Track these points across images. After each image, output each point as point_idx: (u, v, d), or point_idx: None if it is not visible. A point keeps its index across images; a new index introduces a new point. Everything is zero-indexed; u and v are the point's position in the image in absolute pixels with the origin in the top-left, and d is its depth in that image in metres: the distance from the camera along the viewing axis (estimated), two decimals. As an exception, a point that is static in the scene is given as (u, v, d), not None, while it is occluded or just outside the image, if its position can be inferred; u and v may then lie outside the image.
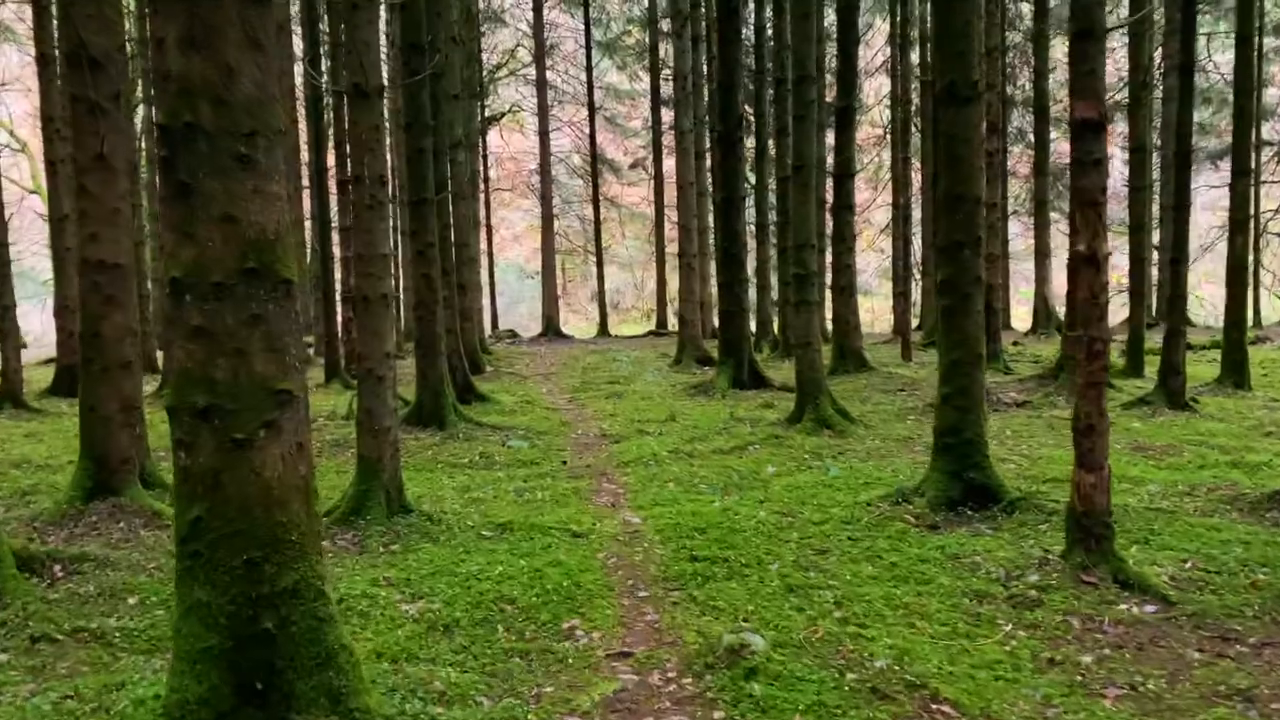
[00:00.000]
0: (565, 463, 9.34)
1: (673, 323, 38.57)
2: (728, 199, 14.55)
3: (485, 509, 7.46)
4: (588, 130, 36.85)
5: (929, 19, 20.40)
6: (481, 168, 36.82)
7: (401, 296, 23.34)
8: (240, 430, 3.38)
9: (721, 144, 14.59)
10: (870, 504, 7.12)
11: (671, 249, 37.96)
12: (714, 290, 30.81)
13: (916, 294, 26.60)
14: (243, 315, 3.38)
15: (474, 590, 5.40)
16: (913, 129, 24.20)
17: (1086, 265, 5.17)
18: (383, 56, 10.86)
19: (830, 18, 19.47)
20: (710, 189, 27.82)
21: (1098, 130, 5.09)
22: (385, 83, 6.84)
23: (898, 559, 5.84)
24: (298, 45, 21.34)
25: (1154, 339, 16.97)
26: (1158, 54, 20.65)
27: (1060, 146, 31.17)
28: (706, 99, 26.33)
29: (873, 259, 37.99)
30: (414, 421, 10.92)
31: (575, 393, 15.90)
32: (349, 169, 7.51)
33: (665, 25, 35.32)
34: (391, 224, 11.41)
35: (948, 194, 7.02)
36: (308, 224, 20.28)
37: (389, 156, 11.90)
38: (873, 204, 32.78)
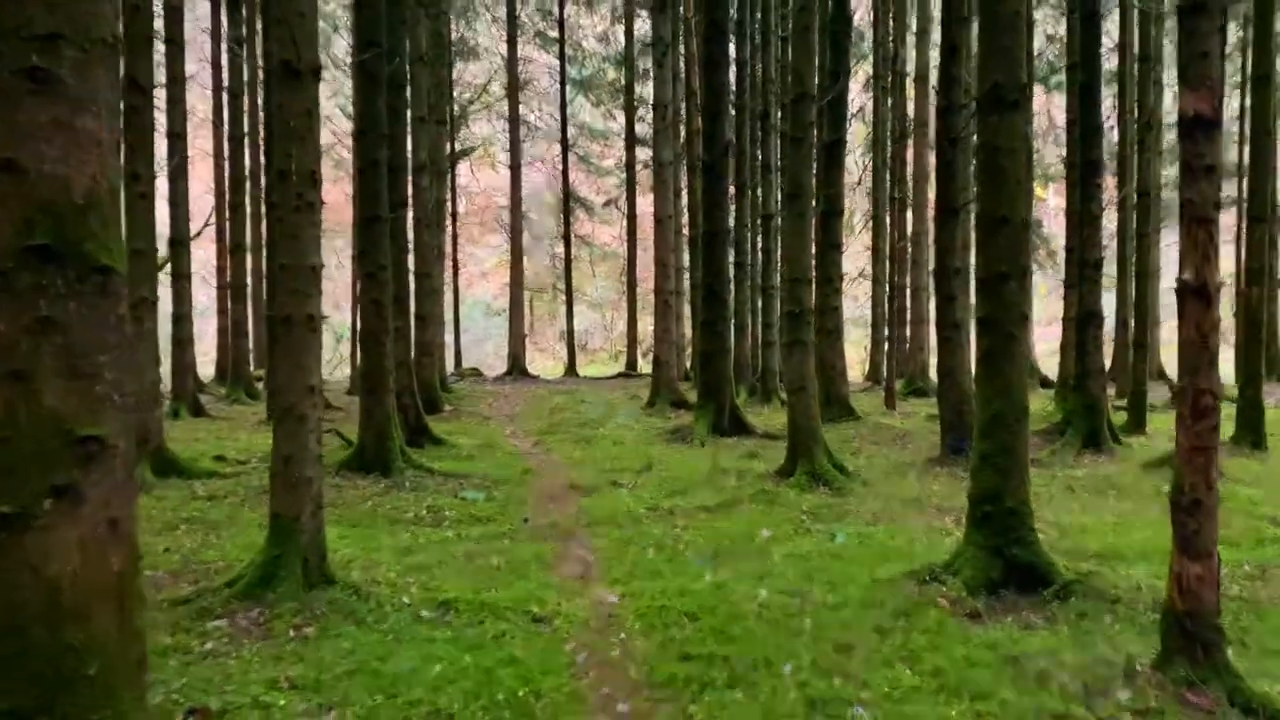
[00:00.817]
0: (526, 520, 8.07)
1: (643, 364, 37.46)
2: (711, 232, 13.47)
3: (428, 579, 6.17)
4: (560, 167, 35.94)
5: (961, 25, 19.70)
6: (450, 200, 35.76)
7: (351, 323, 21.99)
8: (11, 500, 2.14)
9: (706, 174, 13.55)
10: (893, 582, 5.93)
11: (643, 288, 37.01)
12: (689, 331, 29.80)
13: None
14: (23, 319, 2.15)
15: (401, 701, 4.12)
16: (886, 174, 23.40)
17: (1195, 299, 4.08)
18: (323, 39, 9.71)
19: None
20: (685, 228, 26.92)
21: (1210, 129, 4.02)
22: (321, 65, 5.66)
23: (942, 662, 4.64)
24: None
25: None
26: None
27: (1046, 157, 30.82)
28: (684, 137, 25.48)
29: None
30: (355, 467, 9.60)
31: (541, 436, 14.63)
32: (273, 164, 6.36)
33: (641, 65, 34.71)
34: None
35: (988, 216, 5.94)
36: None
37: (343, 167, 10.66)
38: (845, 249, 32.03)
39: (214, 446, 12.37)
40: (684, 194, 26.93)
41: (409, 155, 13.74)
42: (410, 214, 13.96)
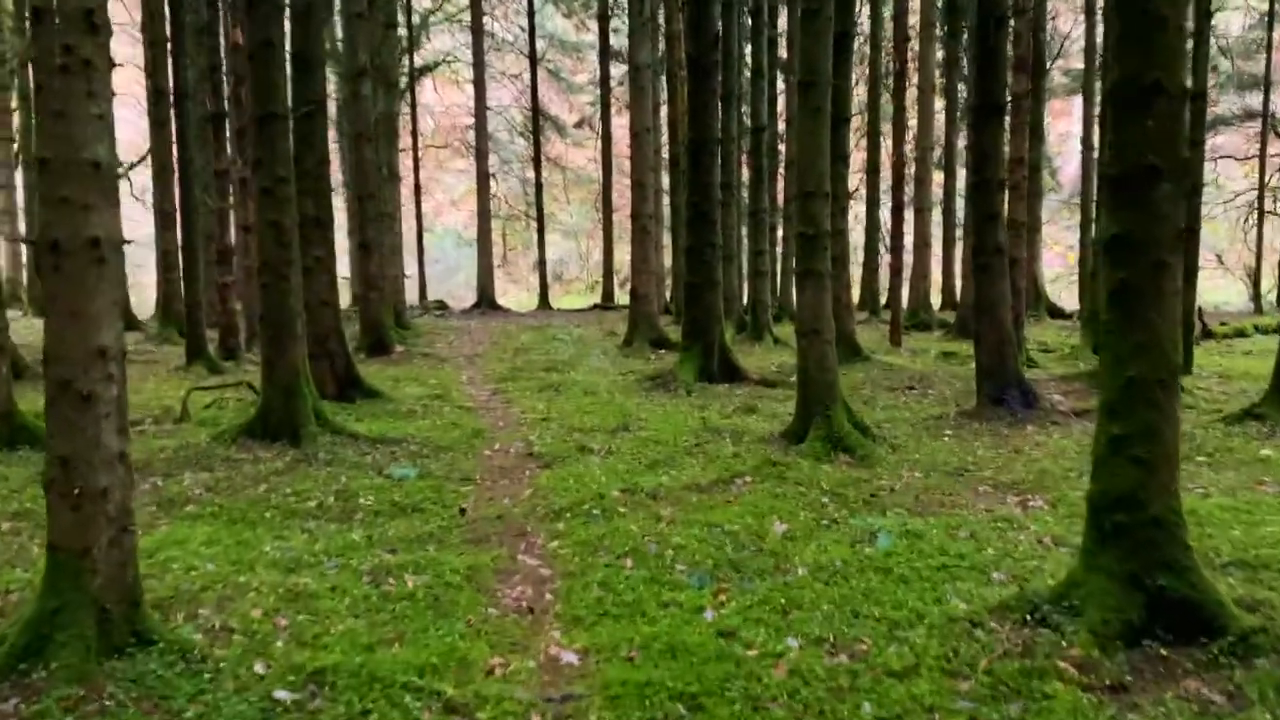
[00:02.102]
0: (464, 511, 6.15)
1: (619, 295, 35.41)
2: (698, 142, 11.35)
3: (306, 621, 4.27)
4: (529, 82, 33.32)
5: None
6: (412, 119, 33.13)
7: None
8: None
9: (691, 70, 11.36)
10: (979, 624, 4.09)
11: (620, 215, 34.75)
12: (668, 260, 27.72)
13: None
14: None
15: None
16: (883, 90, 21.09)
17: None
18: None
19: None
20: (665, 147, 24.64)
21: None
22: None
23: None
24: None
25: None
26: None
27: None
28: (663, 43, 23.03)
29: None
30: (258, 434, 7.64)
31: (501, 382, 12.69)
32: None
33: (617, -33, 31.91)
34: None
35: (1131, 84, 3.95)
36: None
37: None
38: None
39: (106, 402, 10.34)
40: (663, 109, 24.60)
41: (339, 51, 11.46)
42: (341, 122, 11.73)
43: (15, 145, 24.79)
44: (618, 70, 33.65)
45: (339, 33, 21.05)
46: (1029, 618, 4.07)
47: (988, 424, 8.71)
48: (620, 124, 34.13)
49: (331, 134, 28.99)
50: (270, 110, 7.40)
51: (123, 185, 31.79)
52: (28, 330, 20.27)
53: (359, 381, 10.02)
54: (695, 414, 9.54)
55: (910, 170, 20.07)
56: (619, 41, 33.24)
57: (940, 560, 5.02)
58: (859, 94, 23.54)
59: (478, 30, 30.56)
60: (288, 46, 8.59)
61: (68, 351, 3.65)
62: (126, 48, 26.94)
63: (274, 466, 7.07)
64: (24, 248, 26.41)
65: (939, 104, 20.57)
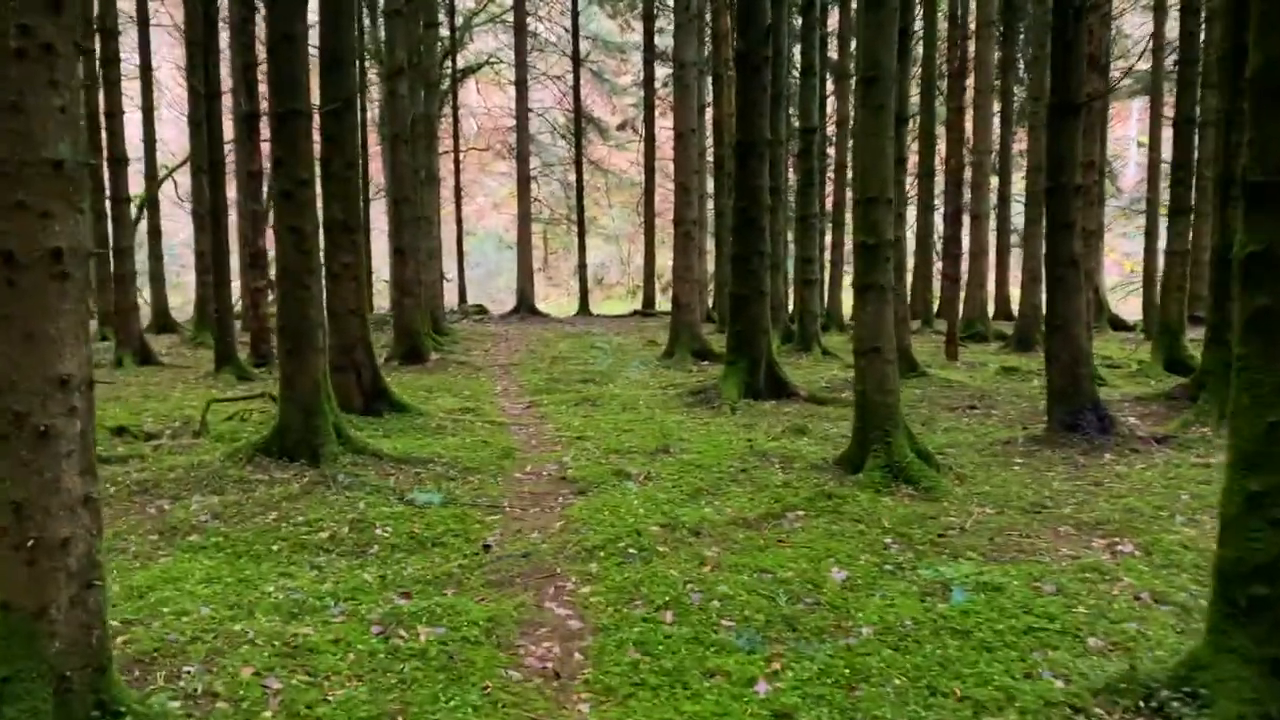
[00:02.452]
0: (489, 546, 5.62)
1: (660, 301, 34.85)
2: (746, 144, 10.73)
3: (298, 686, 3.75)
4: (571, 83, 32.90)
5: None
6: (453, 121, 32.85)
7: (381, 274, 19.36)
8: None
9: (740, 67, 10.75)
10: (1080, 709, 3.47)
11: (662, 219, 34.18)
12: (710, 267, 27.09)
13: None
14: None
15: None
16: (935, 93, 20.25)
17: None
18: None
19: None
20: (710, 149, 24.02)
21: None
22: None
23: None
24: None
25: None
26: None
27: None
28: (709, 41, 22.40)
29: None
30: (274, 452, 7.17)
31: (537, 395, 12.18)
32: None
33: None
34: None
35: (1275, 64, 3.30)
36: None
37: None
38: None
39: (127, 411, 10.01)
40: (708, 110, 23.99)
41: (379, 50, 11.04)
42: (372, 120, 11.29)
43: None
44: (662, 71, 33.11)
45: (383, 34, 20.78)
46: (1143, 705, 3.43)
47: (1061, 451, 8.00)
48: (664, 125, 33.58)
49: (373, 137, 28.84)
50: (292, 107, 6.94)
51: (168, 187, 31.91)
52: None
53: (387, 394, 9.55)
54: (740, 435, 8.94)
55: (966, 175, 19.24)
56: (664, 42, 32.71)
57: (1025, 621, 4.38)
58: (913, 95, 22.74)
59: (520, 29, 30.21)
60: (315, 41, 8.16)
61: (23, 380, 3.15)
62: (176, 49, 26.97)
63: (288, 490, 6.59)
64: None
65: (994, 106, 19.72)
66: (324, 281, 10.03)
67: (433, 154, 20.48)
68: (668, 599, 4.67)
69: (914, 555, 5.44)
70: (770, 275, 17.00)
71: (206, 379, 12.95)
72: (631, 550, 5.44)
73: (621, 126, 36.48)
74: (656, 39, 31.52)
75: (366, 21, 22.63)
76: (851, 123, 22.26)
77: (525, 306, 29.85)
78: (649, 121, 31.60)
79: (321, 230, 9.93)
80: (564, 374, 14.14)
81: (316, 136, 8.01)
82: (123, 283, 14.73)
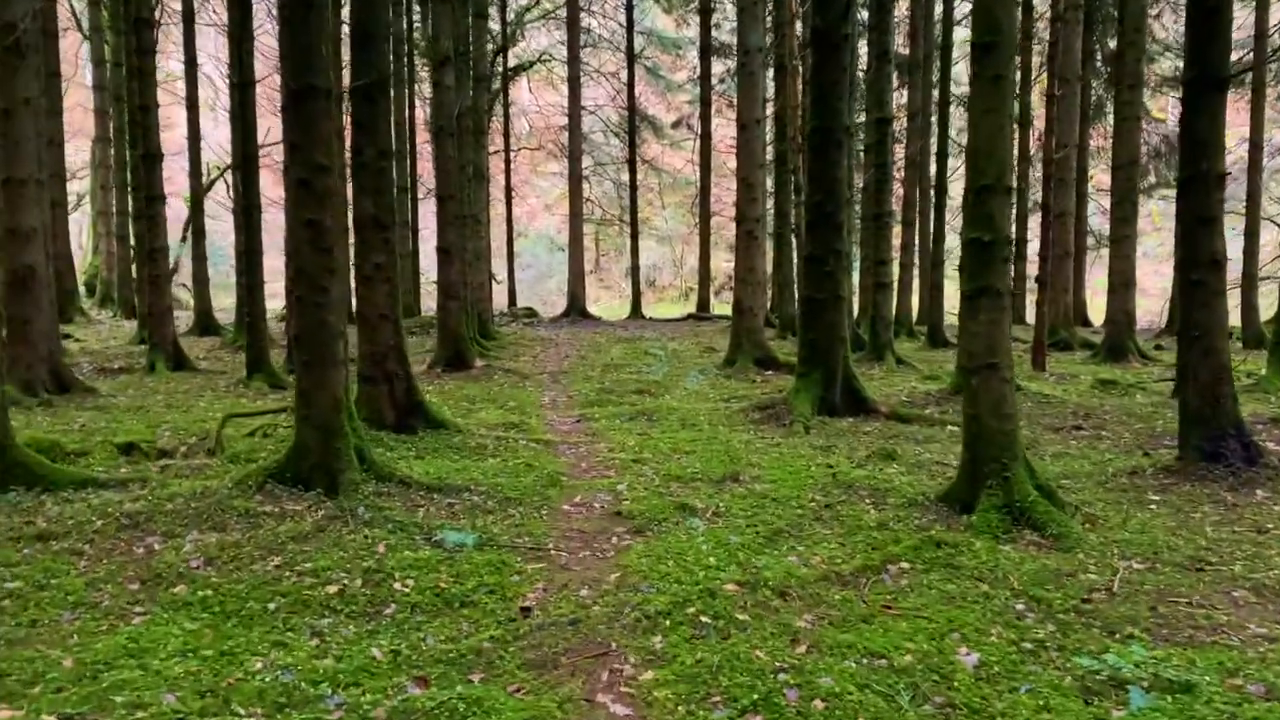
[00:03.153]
0: (527, 610, 4.60)
1: (715, 304, 33.74)
2: (824, 130, 9.61)
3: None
4: (625, 80, 31.95)
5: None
6: (504, 120, 32.10)
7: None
8: None
9: (818, 46, 9.63)
10: None
11: (717, 219, 33.03)
12: (769, 268, 25.90)
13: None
14: None
15: None
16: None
17: None
18: None
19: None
20: (769, 143, 22.87)
21: None
22: None
23: None
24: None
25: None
26: None
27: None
28: (771, 26, 21.25)
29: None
30: (286, 479, 6.26)
31: (587, 408, 11.20)
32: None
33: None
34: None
35: None
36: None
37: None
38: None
39: (144, 424, 9.21)
40: (768, 104, 22.83)
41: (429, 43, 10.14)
42: (404, 111, 10.37)
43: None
44: (719, 67, 32.01)
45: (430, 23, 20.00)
46: None
47: (1204, 486, 6.78)
48: (720, 123, 32.46)
49: (423, 135, 28.13)
50: (308, 82, 6.01)
51: (220, 187, 31.49)
52: (89, 334, 19.73)
53: (422, 408, 8.61)
54: (819, 460, 7.84)
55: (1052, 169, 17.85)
56: (720, 37, 31.60)
57: (1242, 746, 3.25)
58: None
59: (573, 24, 29.36)
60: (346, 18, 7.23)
61: None
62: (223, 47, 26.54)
63: (299, 527, 5.64)
64: (116, 246, 26.21)
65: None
66: (353, 284, 9.16)
67: (482, 151, 19.64)
68: (755, 697, 3.61)
69: (1057, 629, 4.32)
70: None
71: (237, 387, 12.17)
72: (704, 618, 4.39)
73: (676, 124, 35.43)
74: (713, 34, 30.43)
75: (416, 10, 21.89)
76: (919, 117, 20.98)
77: (576, 309, 28.99)
78: (705, 118, 30.53)
79: (351, 227, 9.07)
80: (617, 383, 13.14)
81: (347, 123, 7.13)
82: (156, 284, 14.05)
